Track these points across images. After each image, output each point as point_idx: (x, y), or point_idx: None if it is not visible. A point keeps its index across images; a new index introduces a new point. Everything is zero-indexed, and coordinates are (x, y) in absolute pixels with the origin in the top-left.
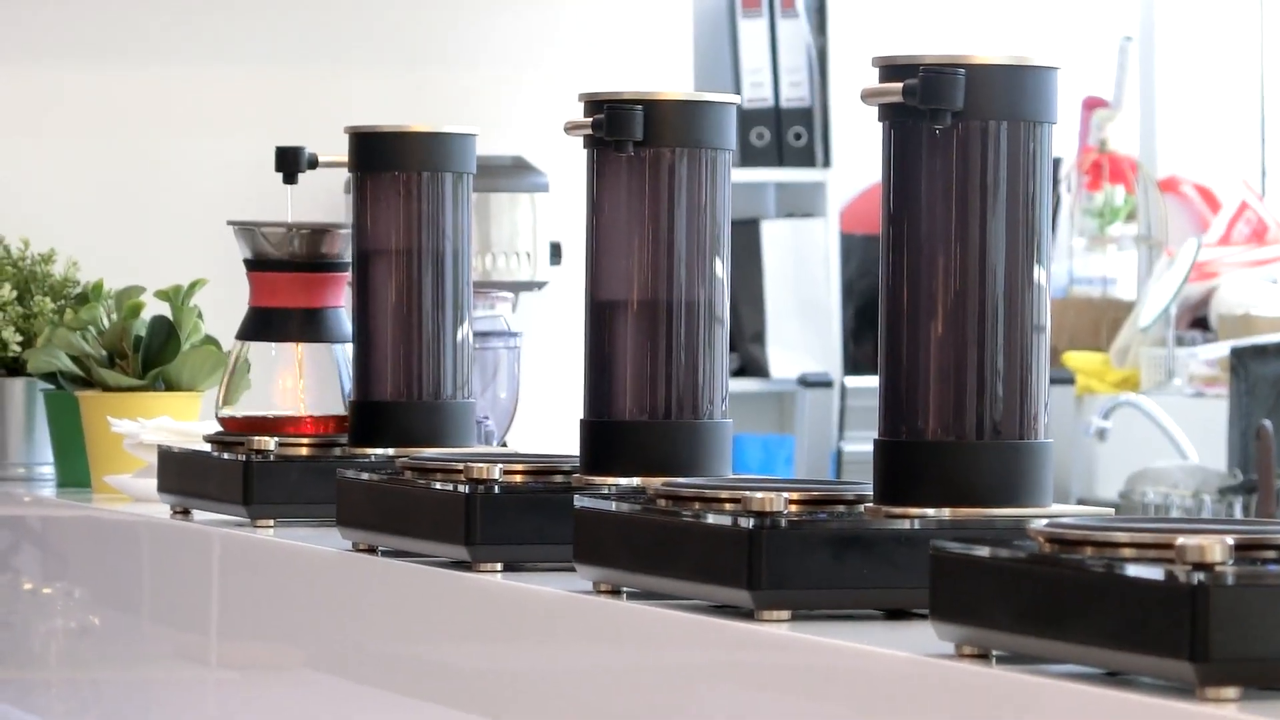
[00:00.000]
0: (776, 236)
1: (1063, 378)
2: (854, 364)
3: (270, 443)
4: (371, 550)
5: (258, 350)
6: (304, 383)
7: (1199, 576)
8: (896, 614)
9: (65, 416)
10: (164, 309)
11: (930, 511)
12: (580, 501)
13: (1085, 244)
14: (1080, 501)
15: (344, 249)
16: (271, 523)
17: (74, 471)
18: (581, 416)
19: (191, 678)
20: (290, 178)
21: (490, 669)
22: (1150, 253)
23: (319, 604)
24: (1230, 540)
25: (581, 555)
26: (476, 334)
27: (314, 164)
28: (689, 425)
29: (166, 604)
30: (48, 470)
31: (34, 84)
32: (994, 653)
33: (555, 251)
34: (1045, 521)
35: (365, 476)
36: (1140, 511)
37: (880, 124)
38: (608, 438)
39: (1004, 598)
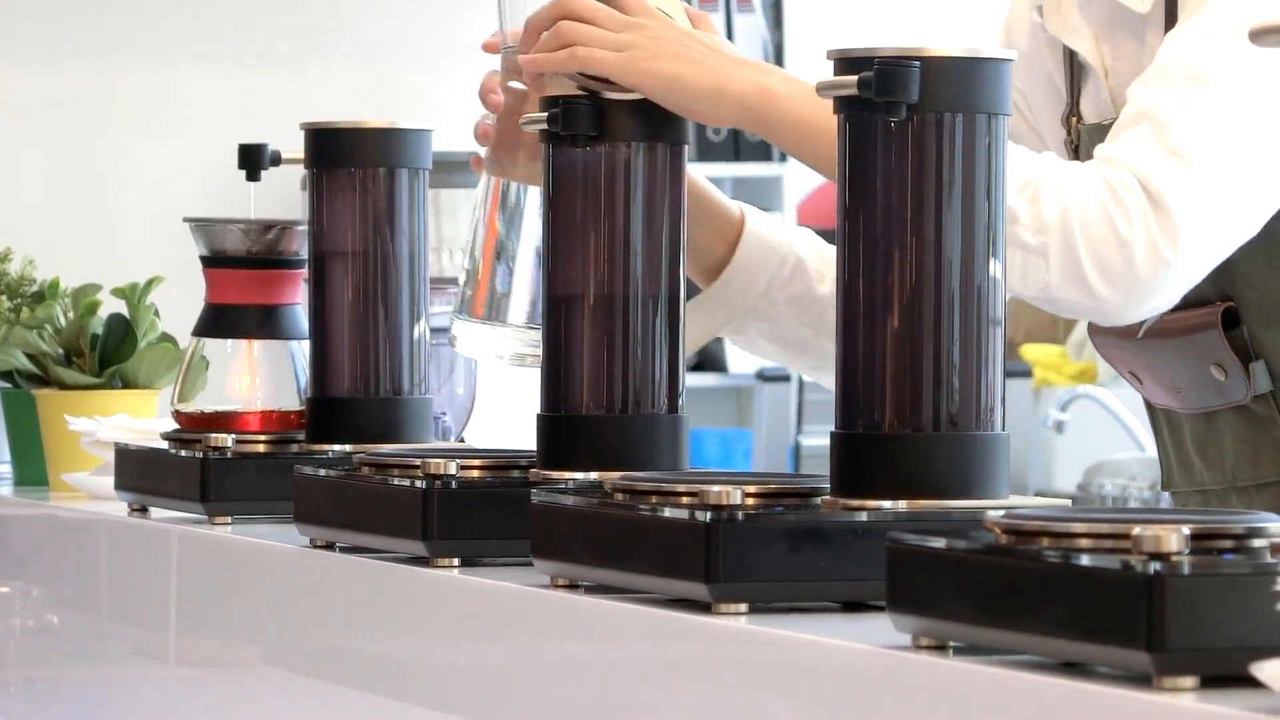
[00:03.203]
0: None
1: (1020, 370)
2: None
3: (228, 440)
4: (329, 546)
5: (214, 346)
6: (260, 379)
7: (1155, 566)
8: (854, 606)
9: (22, 415)
10: (121, 307)
11: (887, 504)
12: (537, 496)
13: None
14: (1038, 493)
15: (300, 246)
16: (229, 520)
17: (31, 470)
18: (538, 411)
19: (150, 675)
20: (254, 175)
21: (448, 664)
22: None
23: (277, 601)
24: (1187, 530)
25: (539, 550)
26: (433, 330)
27: (277, 161)
28: (646, 419)
29: (125, 602)
30: (5, 469)
31: None
32: (951, 644)
33: None
34: (1002, 513)
35: (322, 473)
36: (1098, 503)
37: (836, 117)
38: (565, 432)
39: (961, 589)
